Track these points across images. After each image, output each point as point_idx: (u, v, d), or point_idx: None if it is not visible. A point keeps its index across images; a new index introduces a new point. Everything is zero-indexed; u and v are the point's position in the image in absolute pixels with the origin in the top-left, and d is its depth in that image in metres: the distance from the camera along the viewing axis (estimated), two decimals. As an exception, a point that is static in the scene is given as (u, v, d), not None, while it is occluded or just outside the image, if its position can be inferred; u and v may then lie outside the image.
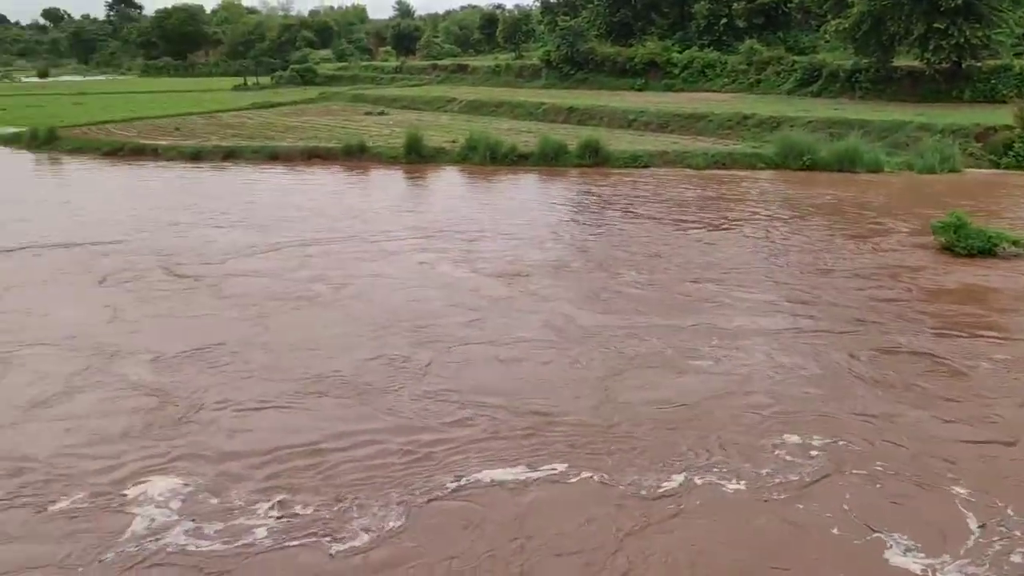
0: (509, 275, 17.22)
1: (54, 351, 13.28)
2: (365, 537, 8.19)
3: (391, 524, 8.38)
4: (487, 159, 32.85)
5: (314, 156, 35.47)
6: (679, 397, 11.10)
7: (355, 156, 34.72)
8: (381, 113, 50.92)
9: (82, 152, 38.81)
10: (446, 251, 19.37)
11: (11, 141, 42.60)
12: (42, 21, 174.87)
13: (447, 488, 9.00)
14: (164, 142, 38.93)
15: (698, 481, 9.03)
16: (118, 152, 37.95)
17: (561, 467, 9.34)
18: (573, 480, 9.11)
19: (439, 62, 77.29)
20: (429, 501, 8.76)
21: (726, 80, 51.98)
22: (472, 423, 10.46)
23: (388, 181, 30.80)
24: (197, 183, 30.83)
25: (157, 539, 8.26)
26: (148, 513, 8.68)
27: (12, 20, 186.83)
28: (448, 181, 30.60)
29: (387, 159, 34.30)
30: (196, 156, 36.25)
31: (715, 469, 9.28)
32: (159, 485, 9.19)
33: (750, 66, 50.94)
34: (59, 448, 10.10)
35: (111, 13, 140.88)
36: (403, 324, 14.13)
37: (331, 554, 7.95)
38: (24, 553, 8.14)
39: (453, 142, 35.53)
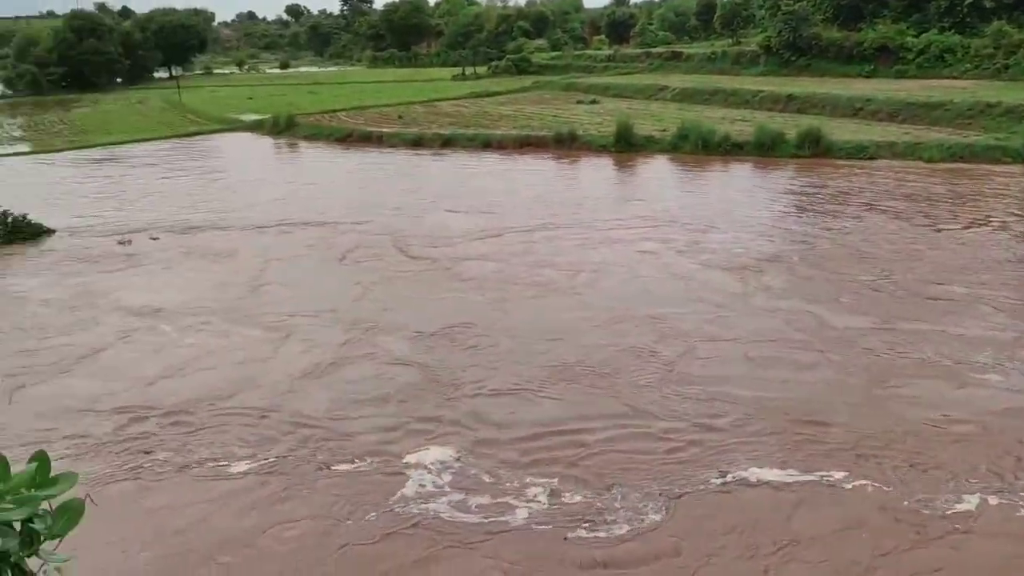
0: (739, 269, 16.57)
1: (318, 322, 14.24)
2: (624, 527, 8.09)
3: (651, 516, 8.23)
4: (698, 148, 31.86)
5: (526, 144, 35.92)
6: (963, 411, 10.15)
7: (565, 144, 34.75)
8: (592, 102, 50.83)
9: (316, 138, 41.61)
10: (671, 241, 18.94)
11: (256, 127, 46.51)
12: (285, 16, 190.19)
13: (712, 484, 8.74)
14: (388, 129, 40.92)
15: (992, 502, 8.20)
16: (347, 138, 40.33)
17: (837, 474, 8.80)
18: (847, 488, 8.56)
19: (652, 49, 76.24)
20: (691, 496, 8.54)
21: (968, 66, 47.50)
22: (734, 421, 10.10)
23: (600, 169, 30.66)
24: (419, 168, 32.16)
25: (422, 505, 8.61)
26: (419, 480, 9.09)
27: (260, 16, 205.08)
28: (661, 170, 30.01)
29: (597, 147, 34.12)
30: (417, 143, 37.76)
31: (1021, 492, 8.38)
32: (432, 455, 9.59)
33: (997, 50, 46.23)
34: (338, 413, 10.78)
35: (344, 8, 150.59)
36: (640, 315, 13.93)
37: (591, 542, 7.91)
38: (304, 503, 8.79)
39: (663, 131, 34.83)
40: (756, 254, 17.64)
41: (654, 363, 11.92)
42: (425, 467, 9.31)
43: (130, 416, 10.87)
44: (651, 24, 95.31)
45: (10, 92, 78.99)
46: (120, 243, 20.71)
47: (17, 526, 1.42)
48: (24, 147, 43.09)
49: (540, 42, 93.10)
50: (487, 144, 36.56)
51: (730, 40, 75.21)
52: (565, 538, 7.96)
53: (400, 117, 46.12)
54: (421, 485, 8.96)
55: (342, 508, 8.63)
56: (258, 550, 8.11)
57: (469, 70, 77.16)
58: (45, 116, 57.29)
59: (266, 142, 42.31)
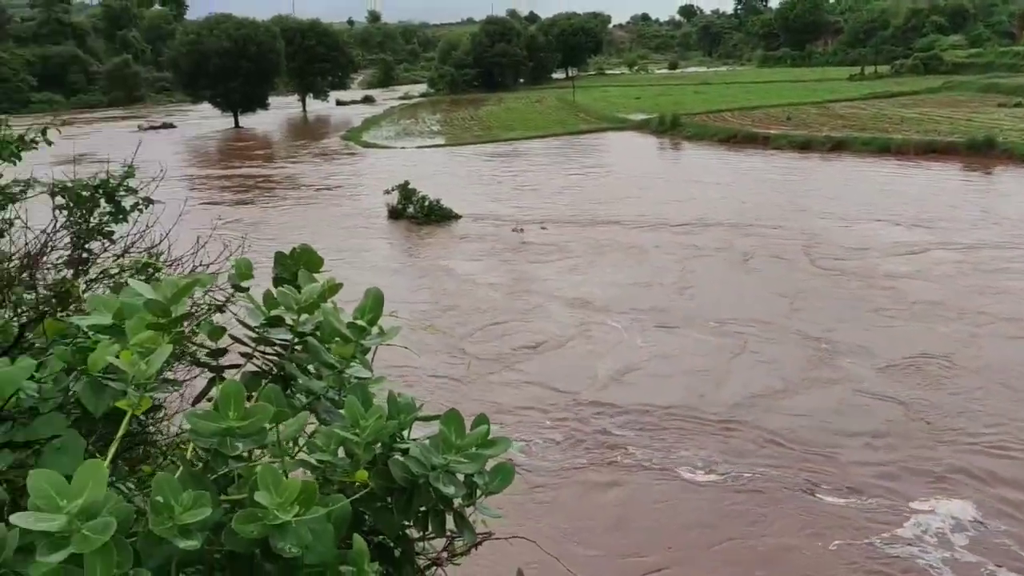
0: None
1: (757, 332, 13.94)
2: None
3: None
4: None
5: (930, 150, 32.65)
6: None
7: (980, 152, 30.96)
8: (1017, 105, 44.56)
9: (700, 138, 41.71)
10: None
11: (641, 126, 47.89)
12: (677, 17, 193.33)
13: None
14: (774, 131, 39.72)
15: None
16: (731, 139, 39.87)
17: None
18: None
19: (1102, 44, 64.88)
20: None
21: None
22: None
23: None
24: (810, 173, 30.97)
25: (910, 549, 8.00)
26: (922, 528, 8.38)
27: (653, 17, 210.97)
28: None
29: (1021, 156, 29.81)
30: (804, 146, 36.19)
31: None
32: (947, 507, 8.76)
33: None
34: (817, 438, 10.31)
35: (739, 6, 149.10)
36: None
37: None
38: (772, 524, 8.62)
39: (1123, 140, 29.49)
40: None
41: None
42: (935, 516, 8.56)
43: (596, 410, 11.35)
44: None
45: (432, 91, 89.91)
46: (514, 231, 22.48)
47: (460, 478, 1.60)
48: (441, 140, 49.02)
49: (956, 38, 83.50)
50: (884, 149, 33.98)
51: None
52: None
53: (789, 118, 44.52)
54: (922, 532, 8.28)
55: (819, 538, 8.30)
56: (699, 565, 8.02)
57: (869, 69, 71.91)
58: (458, 113, 64.21)
59: (650, 141, 43.37)
